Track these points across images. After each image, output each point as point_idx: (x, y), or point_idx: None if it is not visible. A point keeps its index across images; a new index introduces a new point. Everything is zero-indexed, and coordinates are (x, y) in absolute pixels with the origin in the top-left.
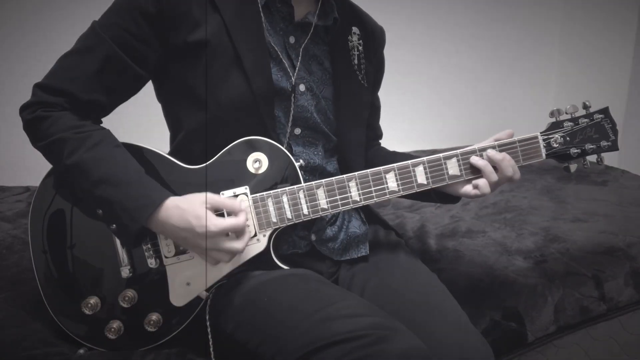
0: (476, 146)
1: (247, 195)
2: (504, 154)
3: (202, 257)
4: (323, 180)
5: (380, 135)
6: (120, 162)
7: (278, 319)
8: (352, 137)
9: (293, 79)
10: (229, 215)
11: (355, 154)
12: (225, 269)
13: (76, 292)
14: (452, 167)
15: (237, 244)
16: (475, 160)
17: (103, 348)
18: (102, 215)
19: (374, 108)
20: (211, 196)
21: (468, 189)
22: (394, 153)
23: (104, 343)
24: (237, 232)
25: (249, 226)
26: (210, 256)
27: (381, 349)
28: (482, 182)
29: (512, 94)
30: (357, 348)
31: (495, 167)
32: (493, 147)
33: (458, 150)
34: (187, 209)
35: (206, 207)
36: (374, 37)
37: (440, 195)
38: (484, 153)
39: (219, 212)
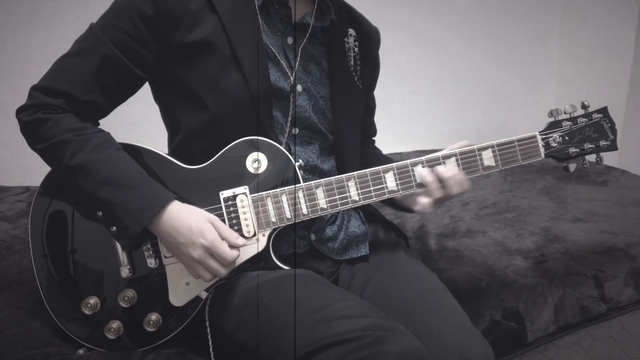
0: (475, 146)
1: (246, 195)
2: (455, 170)
3: (188, 269)
4: (322, 180)
5: (374, 133)
6: (123, 165)
7: (277, 319)
8: (348, 137)
9: (291, 80)
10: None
11: (351, 154)
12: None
13: (76, 293)
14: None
15: (222, 269)
16: (424, 173)
17: (103, 348)
18: (103, 218)
19: (369, 108)
20: (216, 219)
21: (421, 200)
22: (381, 156)
23: (103, 343)
24: (223, 262)
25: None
26: (193, 268)
27: (380, 350)
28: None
29: (512, 93)
30: (356, 349)
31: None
32: (491, 147)
33: (457, 150)
34: (191, 216)
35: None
36: (369, 39)
37: (396, 203)
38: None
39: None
